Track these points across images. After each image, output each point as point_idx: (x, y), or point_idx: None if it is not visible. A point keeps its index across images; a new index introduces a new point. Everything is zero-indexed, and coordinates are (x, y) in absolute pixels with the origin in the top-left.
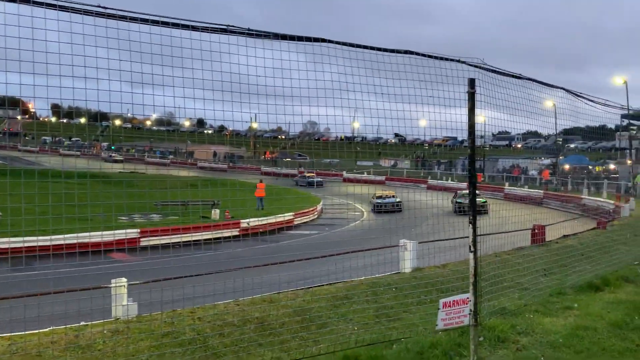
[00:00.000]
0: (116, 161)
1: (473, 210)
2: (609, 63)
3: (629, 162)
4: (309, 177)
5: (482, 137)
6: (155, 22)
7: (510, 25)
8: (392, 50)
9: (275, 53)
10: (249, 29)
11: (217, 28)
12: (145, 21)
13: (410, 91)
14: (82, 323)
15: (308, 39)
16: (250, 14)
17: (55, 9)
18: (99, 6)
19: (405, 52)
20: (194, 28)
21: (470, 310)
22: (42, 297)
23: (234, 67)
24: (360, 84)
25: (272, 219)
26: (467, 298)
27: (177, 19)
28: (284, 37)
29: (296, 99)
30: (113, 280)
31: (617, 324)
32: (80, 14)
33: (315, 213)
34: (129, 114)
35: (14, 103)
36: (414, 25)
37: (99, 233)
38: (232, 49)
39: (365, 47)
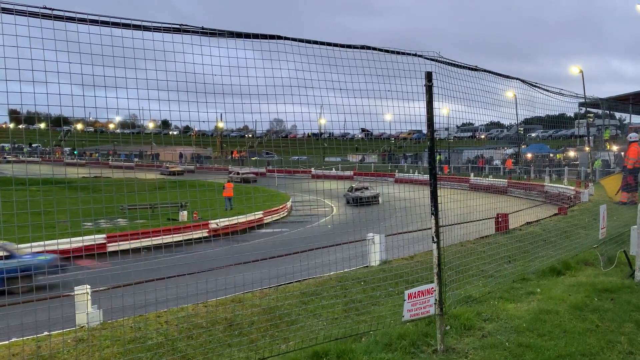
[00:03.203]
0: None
1: (434, 201)
2: (553, 53)
3: (587, 148)
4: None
5: (447, 129)
6: (105, 23)
7: (450, 17)
8: (349, 46)
9: (232, 51)
10: (202, 28)
11: (170, 27)
12: (95, 22)
13: (371, 86)
14: (45, 333)
15: (264, 37)
16: (192, 11)
17: None
18: (45, 7)
19: (362, 47)
20: (146, 28)
21: (436, 299)
22: None
23: (191, 66)
24: (325, 81)
25: (241, 219)
26: (432, 288)
27: (127, 19)
28: (239, 34)
29: (260, 97)
30: (76, 288)
31: (578, 306)
32: (25, 15)
33: (285, 211)
34: (90, 118)
35: None
36: (359, 19)
37: (55, 241)
38: (187, 48)
39: (321, 43)
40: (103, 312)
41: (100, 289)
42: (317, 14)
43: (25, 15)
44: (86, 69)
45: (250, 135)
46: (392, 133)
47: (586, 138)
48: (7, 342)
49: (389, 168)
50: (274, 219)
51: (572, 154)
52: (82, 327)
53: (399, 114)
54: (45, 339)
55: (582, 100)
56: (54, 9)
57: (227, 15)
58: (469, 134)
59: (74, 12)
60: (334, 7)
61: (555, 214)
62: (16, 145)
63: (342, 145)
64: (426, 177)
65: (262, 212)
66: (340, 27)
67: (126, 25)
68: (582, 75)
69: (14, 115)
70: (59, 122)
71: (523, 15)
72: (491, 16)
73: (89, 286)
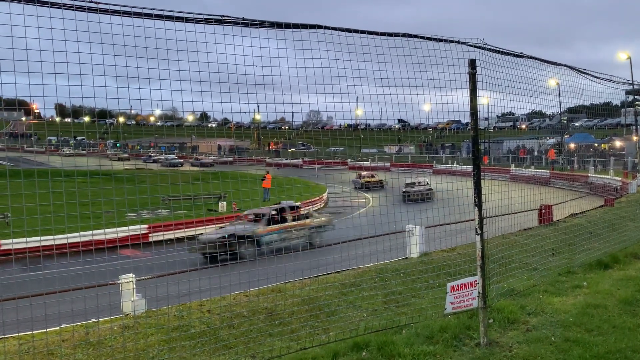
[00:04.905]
0: (121, 159)
1: (478, 192)
2: (591, 38)
3: (634, 138)
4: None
5: (486, 119)
6: (148, 16)
7: (481, 3)
8: (390, 34)
9: (267, 43)
10: (243, 19)
11: (211, 19)
12: (139, 15)
13: (409, 75)
14: (92, 320)
15: (304, 26)
16: (216, 1)
17: (48, 6)
18: (91, 1)
19: (403, 35)
20: (188, 20)
21: (479, 292)
22: (48, 297)
23: (228, 58)
24: (365, 70)
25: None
26: (475, 280)
27: (170, 11)
28: (279, 25)
29: (297, 87)
30: (121, 277)
31: (628, 300)
32: (73, 10)
33: (322, 202)
34: (132, 111)
35: (18, 104)
36: (385, 8)
37: (102, 231)
38: (222, 40)
39: (362, 31)
40: (147, 301)
41: (144, 277)
42: (342, 2)
43: (73, 10)
44: (124, 61)
45: (287, 127)
46: (430, 123)
47: (634, 127)
48: (58, 327)
49: (427, 159)
50: (315, 209)
51: (618, 143)
52: (128, 314)
53: (437, 102)
54: (94, 326)
55: (630, 87)
56: (99, 2)
57: (250, 5)
58: (510, 123)
59: (118, 5)
60: None
61: (602, 206)
62: (62, 139)
63: (383, 136)
64: (465, 168)
65: (299, 203)
66: (366, 17)
67: (169, 17)
68: (630, 62)
69: (61, 108)
70: (102, 115)
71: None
72: (522, 1)
73: (133, 275)
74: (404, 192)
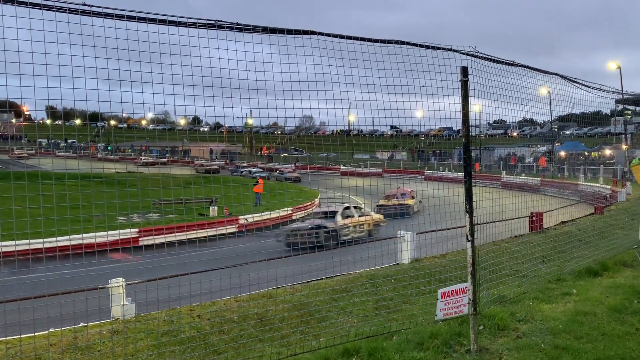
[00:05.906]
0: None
1: (469, 199)
2: (579, 46)
3: (624, 146)
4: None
5: (477, 126)
6: (142, 19)
7: (470, 10)
8: (383, 41)
9: (258, 47)
10: (237, 23)
11: (205, 23)
12: (131, 18)
13: (402, 81)
14: (81, 324)
15: (297, 32)
16: (203, 5)
17: (41, 9)
18: (84, 4)
19: (396, 42)
20: (182, 24)
21: (470, 299)
22: (38, 300)
23: (219, 63)
24: (350, 76)
25: (270, 215)
26: (466, 287)
27: (164, 15)
28: (272, 30)
29: (289, 93)
30: (111, 281)
31: (617, 308)
32: (66, 12)
33: (314, 207)
34: (123, 114)
35: (6, 106)
36: (377, 13)
37: (92, 234)
38: (214, 45)
39: (355, 38)
40: (137, 305)
41: (134, 282)
42: (331, 8)
43: (65, 12)
44: (116, 64)
45: (279, 132)
46: (422, 130)
47: (623, 136)
48: (46, 332)
49: (419, 165)
50: (301, 215)
51: (608, 152)
52: (117, 319)
53: (429, 109)
54: (82, 330)
55: (620, 96)
56: (92, 5)
57: (239, 10)
58: (501, 131)
59: (110, 8)
60: (348, 1)
61: (591, 214)
62: (52, 141)
63: (375, 141)
64: (456, 175)
65: (290, 208)
66: (355, 23)
67: (162, 21)
68: (620, 71)
69: (52, 110)
70: (93, 118)
71: (545, 8)
72: (511, 9)
73: (122, 279)
74: (293, 230)
